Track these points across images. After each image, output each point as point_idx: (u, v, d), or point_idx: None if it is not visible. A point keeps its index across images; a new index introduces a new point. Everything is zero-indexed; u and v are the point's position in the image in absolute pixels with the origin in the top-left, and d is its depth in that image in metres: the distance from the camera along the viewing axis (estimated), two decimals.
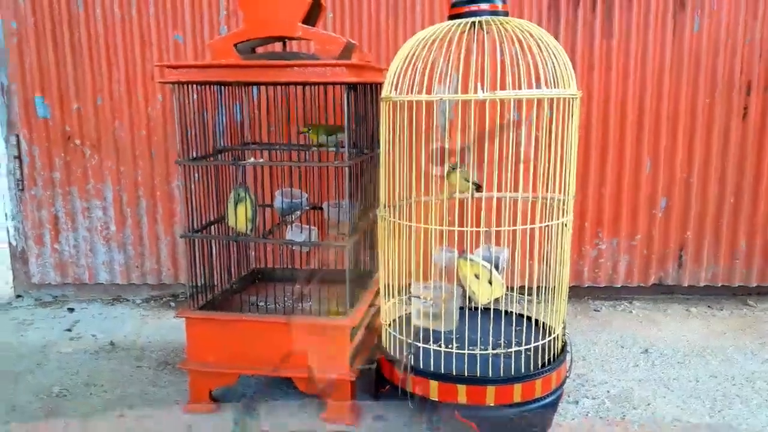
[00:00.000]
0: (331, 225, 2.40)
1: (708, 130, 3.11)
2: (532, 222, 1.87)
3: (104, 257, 3.39)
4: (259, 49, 2.44)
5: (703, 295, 3.29)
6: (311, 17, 2.20)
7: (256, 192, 2.58)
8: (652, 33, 3.03)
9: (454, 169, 2.03)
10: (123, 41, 3.16)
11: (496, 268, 2.18)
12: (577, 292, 3.31)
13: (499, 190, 1.97)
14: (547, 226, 1.90)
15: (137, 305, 3.38)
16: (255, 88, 2.78)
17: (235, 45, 2.13)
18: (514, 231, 1.90)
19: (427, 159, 2.00)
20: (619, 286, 3.29)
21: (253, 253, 2.72)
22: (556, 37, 3.03)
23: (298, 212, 2.42)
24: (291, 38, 2.18)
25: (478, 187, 2.05)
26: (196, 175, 2.21)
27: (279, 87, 2.61)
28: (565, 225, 1.94)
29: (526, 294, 2.17)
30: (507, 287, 2.11)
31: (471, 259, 1.90)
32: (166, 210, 3.31)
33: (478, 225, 1.92)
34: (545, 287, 2.03)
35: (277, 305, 2.26)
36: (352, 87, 2.02)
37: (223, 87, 2.42)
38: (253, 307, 2.29)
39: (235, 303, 2.37)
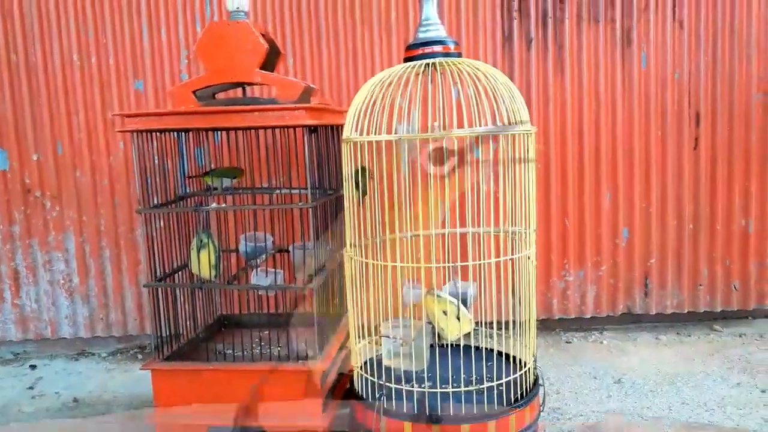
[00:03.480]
0: (297, 267, 2.38)
1: (662, 161, 3.20)
2: (497, 256, 1.88)
3: (67, 310, 3.30)
4: (221, 95, 2.46)
5: (671, 322, 3.34)
6: (269, 63, 2.23)
7: (220, 237, 2.57)
8: (603, 69, 3.14)
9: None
10: (82, 89, 3.15)
11: (464, 303, 2.18)
12: (547, 325, 3.33)
13: (463, 225, 1.99)
14: (512, 259, 1.91)
15: (103, 359, 3.28)
16: (217, 133, 2.79)
17: (195, 92, 2.14)
18: (480, 266, 1.91)
19: (390, 197, 2.01)
20: (588, 316, 3.31)
21: (219, 299, 2.68)
22: (511, 75, 3.12)
23: (263, 256, 2.41)
24: (250, 84, 2.19)
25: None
26: (161, 222, 2.19)
27: (240, 132, 2.62)
28: (529, 257, 1.96)
29: (495, 328, 2.17)
30: (477, 322, 2.11)
31: (438, 296, 1.90)
32: (130, 259, 3.25)
33: (445, 261, 1.93)
34: (514, 321, 2.04)
35: (245, 352, 2.22)
36: (312, 129, 2.04)
37: (184, 133, 2.42)
38: (220, 355, 2.25)
39: (202, 352, 2.33)
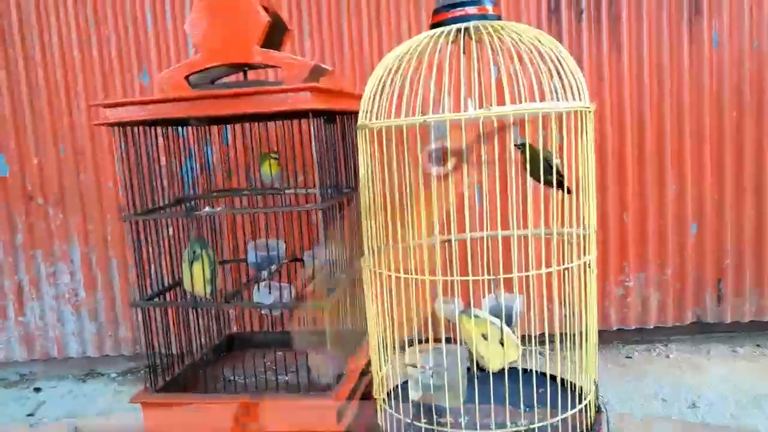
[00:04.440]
0: (309, 279, 2.05)
1: (738, 146, 2.75)
2: (548, 264, 1.50)
3: (74, 327, 3.04)
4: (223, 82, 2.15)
5: (749, 331, 2.89)
6: (274, 40, 1.90)
7: (230, 245, 2.26)
8: (666, 42, 2.71)
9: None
10: (84, 85, 2.88)
11: (509, 321, 1.82)
12: (604, 337, 2.92)
13: (505, 227, 1.62)
14: (567, 268, 1.53)
15: (112, 380, 3.02)
16: (225, 129, 2.49)
17: (187, 77, 1.83)
18: (528, 276, 1.54)
19: (416, 193, 1.66)
20: (651, 327, 2.89)
21: (228, 315, 2.37)
22: None
23: (274, 266, 2.09)
24: (250, 65, 1.87)
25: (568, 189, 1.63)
26: (170, 230, 1.90)
27: (252, 125, 2.31)
28: (588, 265, 1.58)
29: (547, 344, 1.80)
30: (525, 337, 1.75)
31: (476, 316, 1.54)
32: None
33: (482, 271, 1.58)
34: (569, 335, 1.66)
35: (252, 379, 1.90)
36: (323, 116, 1.71)
37: (185, 128, 2.12)
38: (223, 383, 1.94)
39: (204, 380, 2.02)
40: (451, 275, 1.57)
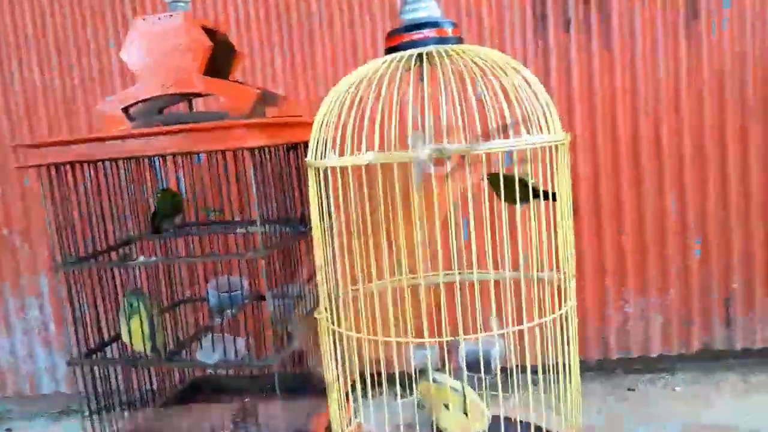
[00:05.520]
0: (272, 323, 1.88)
1: (743, 154, 2.54)
2: (518, 320, 1.32)
3: (45, 362, 2.90)
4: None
5: (762, 358, 2.67)
6: (221, 66, 1.73)
7: (159, 293, 2.08)
8: (662, 47, 2.51)
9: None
10: (46, 112, 2.74)
11: (488, 367, 1.65)
12: (604, 366, 2.72)
13: (468, 267, 1.45)
14: (539, 324, 1.35)
15: (85, 417, 2.86)
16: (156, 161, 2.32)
17: (126, 110, 1.67)
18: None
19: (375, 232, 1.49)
20: (655, 355, 2.68)
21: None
22: (546, 64, 2.53)
23: (236, 308, 1.92)
24: (192, 94, 1.71)
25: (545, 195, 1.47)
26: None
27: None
28: (566, 317, 1.40)
29: (530, 388, 1.61)
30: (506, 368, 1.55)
31: (434, 380, 1.36)
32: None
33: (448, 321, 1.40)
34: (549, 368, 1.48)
35: None
36: (289, 147, 1.53)
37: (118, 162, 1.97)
38: None
39: None
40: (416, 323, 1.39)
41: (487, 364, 1.68)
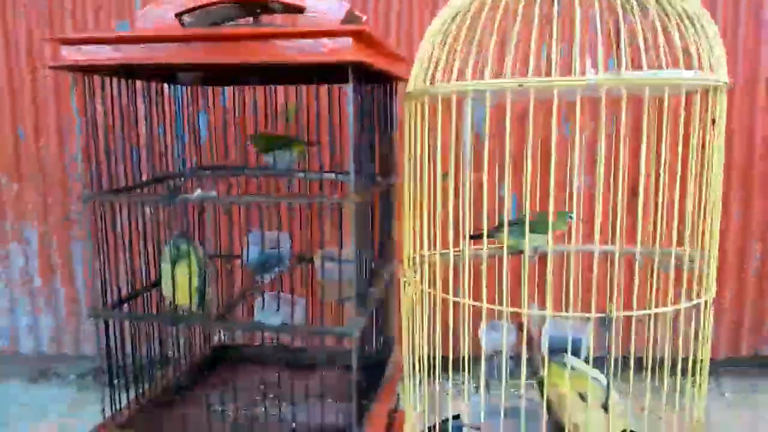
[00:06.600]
0: (326, 288, 1.62)
1: None
2: (641, 304, 1.09)
3: (28, 320, 2.58)
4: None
5: None
6: None
7: (220, 239, 1.81)
8: None
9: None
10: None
11: (575, 356, 1.42)
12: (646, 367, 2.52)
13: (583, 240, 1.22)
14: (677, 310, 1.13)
15: (69, 383, 2.56)
16: (224, 91, 2.05)
17: (179, 16, 1.38)
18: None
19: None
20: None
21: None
22: None
23: (277, 269, 1.65)
24: (265, 5, 1.42)
25: None
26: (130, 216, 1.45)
27: (257, 89, 1.87)
28: (706, 305, 1.18)
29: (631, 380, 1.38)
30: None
31: (572, 367, 1.12)
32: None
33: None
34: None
35: (237, 412, 1.48)
36: (362, 74, 1.27)
37: (182, 87, 1.68)
38: (199, 417, 1.50)
39: (181, 409, 1.58)
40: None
41: (575, 353, 1.46)
